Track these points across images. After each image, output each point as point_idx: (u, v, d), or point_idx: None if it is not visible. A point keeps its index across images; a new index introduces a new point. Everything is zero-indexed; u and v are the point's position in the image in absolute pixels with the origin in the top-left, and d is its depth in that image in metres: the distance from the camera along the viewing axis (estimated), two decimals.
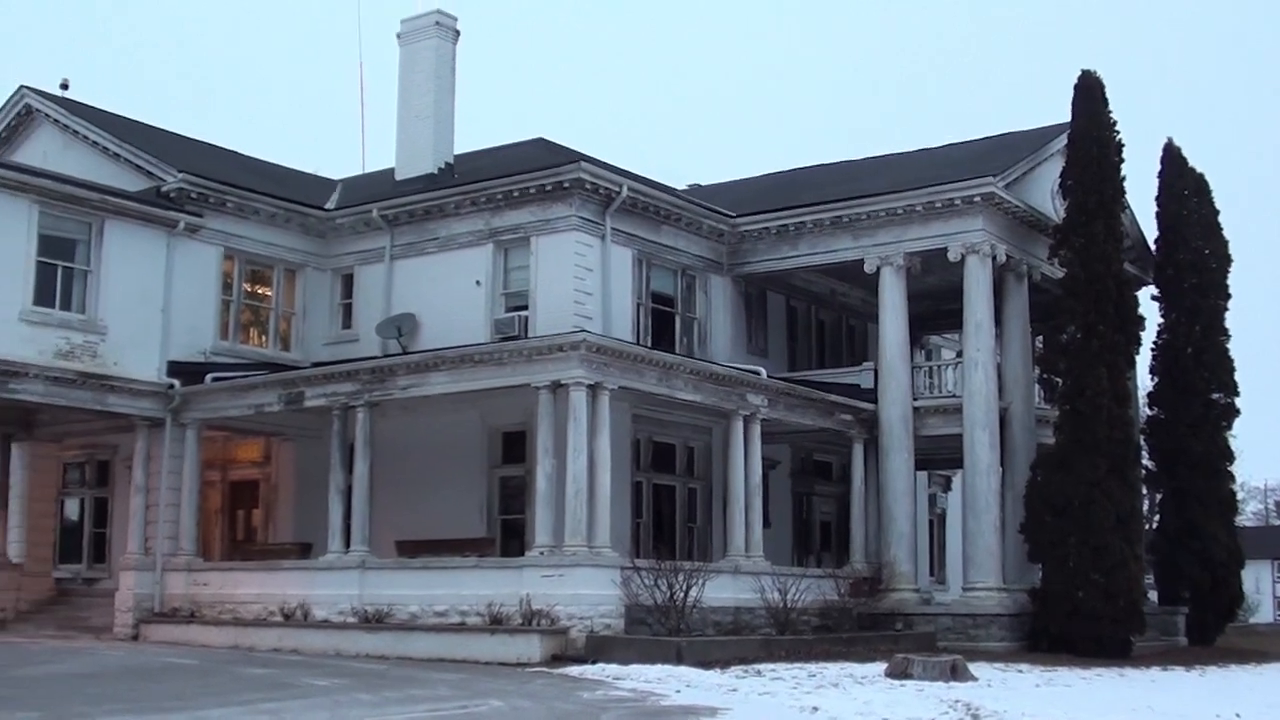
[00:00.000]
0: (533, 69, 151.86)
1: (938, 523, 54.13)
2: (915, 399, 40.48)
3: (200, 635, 35.85)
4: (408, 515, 36.99)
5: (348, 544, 35.07)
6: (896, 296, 40.36)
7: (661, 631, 30.94)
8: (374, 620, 33.15)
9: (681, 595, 31.37)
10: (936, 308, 44.63)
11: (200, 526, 39.55)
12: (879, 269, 40.54)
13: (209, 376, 38.19)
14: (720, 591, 33.66)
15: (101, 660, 29.91)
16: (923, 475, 46.71)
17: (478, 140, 45.98)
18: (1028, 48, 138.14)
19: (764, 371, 38.10)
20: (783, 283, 44.42)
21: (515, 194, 38.67)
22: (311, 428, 39.07)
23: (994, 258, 39.63)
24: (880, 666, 28.87)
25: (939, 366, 42.78)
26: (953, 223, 39.50)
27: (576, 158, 38.73)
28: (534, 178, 38.30)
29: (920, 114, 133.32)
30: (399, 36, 44.43)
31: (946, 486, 53.50)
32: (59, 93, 43.98)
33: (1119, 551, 37.01)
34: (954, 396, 40.23)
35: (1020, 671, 30.96)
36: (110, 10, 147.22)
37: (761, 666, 28.60)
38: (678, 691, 24.53)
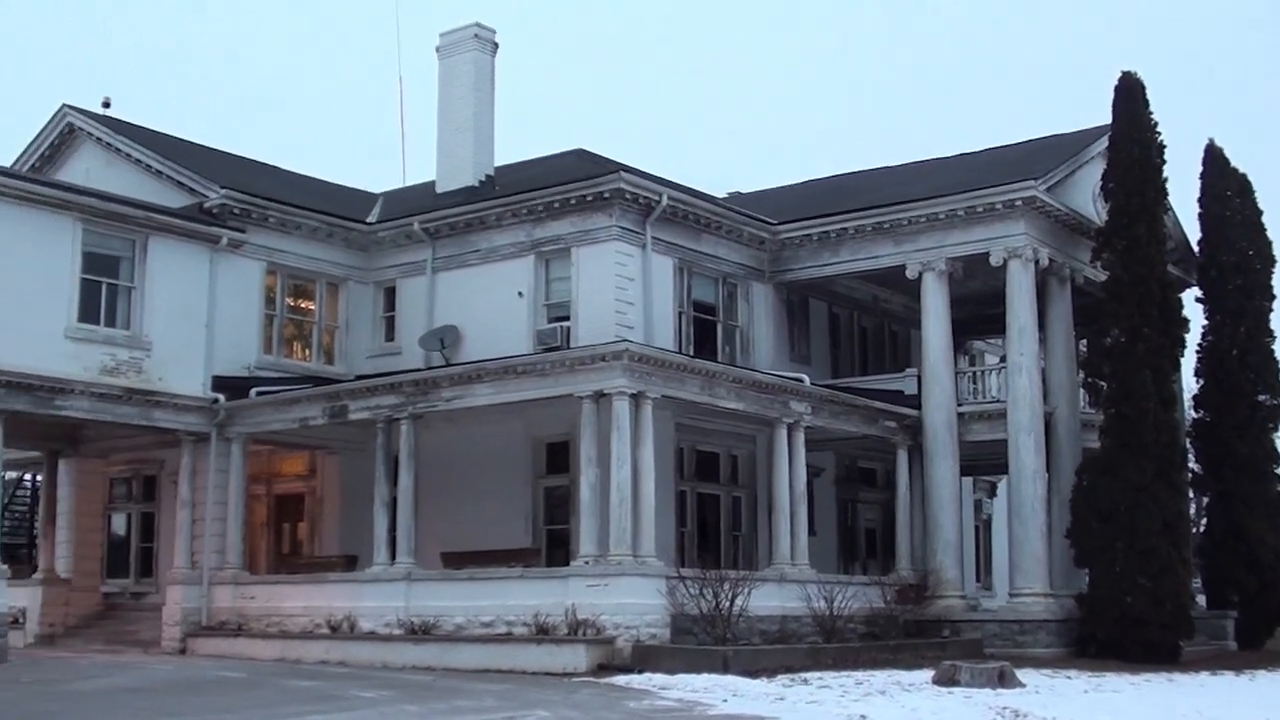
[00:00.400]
0: (572, 79, 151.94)
1: (983, 529, 54.00)
2: (959, 404, 40.30)
3: (247, 648, 35.97)
4: (452, 526, 37.04)
5: (393, 556, 35.13)
6: (939, 302, 40.23)
7: (707, 641, 30.89)
8: (420, 632, 33.20)
9: (727, 604, 31.32)
10: (979, 312, 44.48)
11: (246, 540, 39.70)
12: (921, 274, 40.42)
13: (253, 391, 38.32)
14: (766, 600, 33.61)
15: (149, 674, 30.06)
16: (968, 481, 46.51)
17: (518, 152, 45.98)
18: (1067, 50, 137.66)
19: (807, 379, 38.05)
20: (825, 289, 44.34)
21: (556, 205, 38.72)
22: (356, 440, 39.15)
23: (1036, 261, 39.44)
24: (927, 674, 28.78)
25: (983, 372, 42.56)
26: (994, 227, 39.34)
27: (616, 168, 38.75)
28: (574, 188, 38.33)
29: (960, 119, 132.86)
30: (438, 50, 44.55)
31: (992, 492, 53.32)
32: (101, 111, 44.27)
33: (1166, 556, 36.78)
34: (998, 402, 40.04)
35: (1068, 678, 30.79)
36: (150, 28, 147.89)
37: (808, 675, 28.56)
38: (725, 701, 24.50)
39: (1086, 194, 41.19)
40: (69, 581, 43.05)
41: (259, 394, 38.19)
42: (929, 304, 40.35)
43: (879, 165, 48.88)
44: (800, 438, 36.65)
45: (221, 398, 38.30)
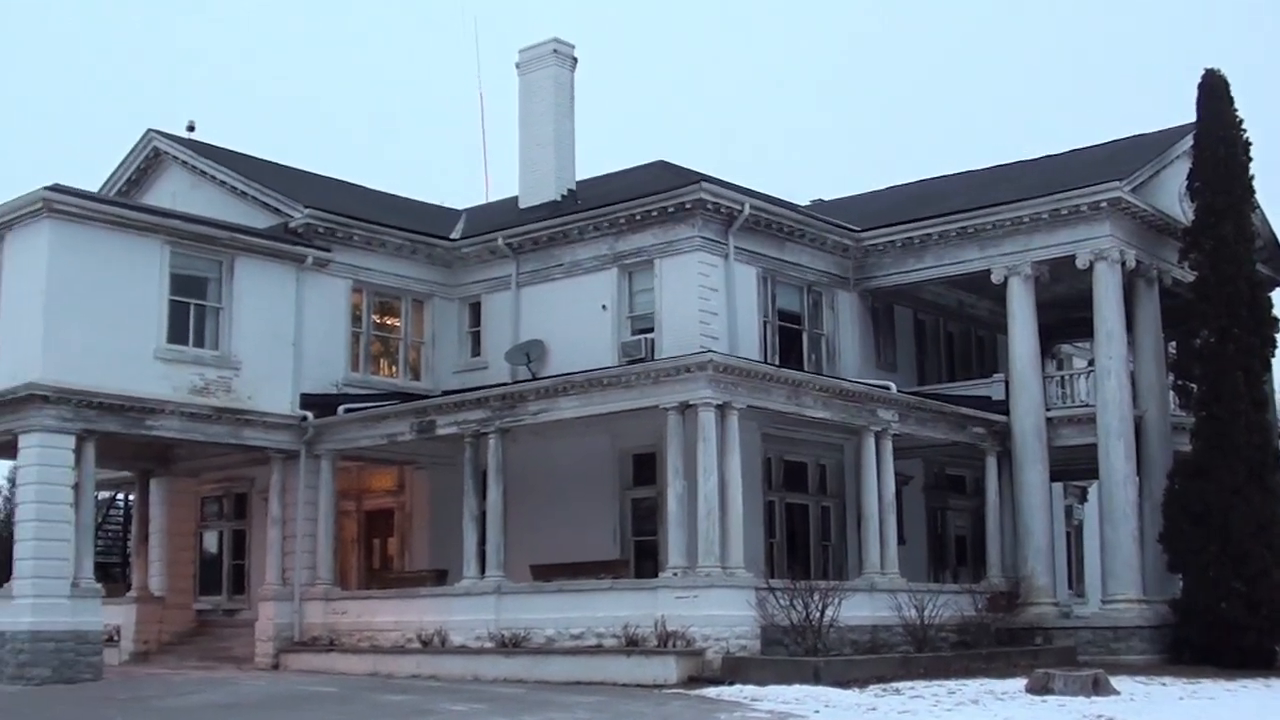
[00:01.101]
0: (651, 91, 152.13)
1: (1075, 535, 53.54)
2: (1048, 409, 40.00)
3: (339, 663, 36.18)
4: (541, 539, 37.13)
5: (483, 569, 35.24)
6: (1025, 306, 39.95)
7: (798, 651, 30.81)
8: (510, 644, 33.28)
9: (817, 614, 31.23)
10: (1066, 316, 44.12)
11: (337, 556, 39.95)
12: (1006, 279, 40.15)
13: (341, 408, 38.58)
14: (856, 610, 33.47)
15: (243, 690, 30.31)
16: (1058, 487, 46.16)
17: (599, 165, 46.11)
18: (1150, 49, 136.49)
19: (894, 386, 37.88)
20: (910, 296, 44.13)
21: (637, 217, 38.76)
22: (444, 455, 39.30)
23: (1123, 263, 39.09)
24: (1020, 682, 28.60)
25: (1071, 376, 42.22)
26: (1080, 229, 39.02)
27: (697, 178, 38.74)
28: (655, 200, 38.36)
29: (1043, 121, 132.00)
30: (518, 66, 44.72)
31: (1083, 498, 52.86)
32: (185, 135, 44.74)
33: (1261, 559, 36.36)
34: (1087, 406, 39.70)
35: (1163, 684, 30.46)
36: (231, 49, 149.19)
37: (900, 685, 28.42)
38: (816, 712, 24.45)
39: (1172, 194, 40.79)
40: (162, 599, 43.49)
41: (347, 411, 38.44)
42: (1015, 308, 40.08)
43: (963, 170, 48.60)
44: (888, 446, 36.49)
45: (310, 415, 38.59)
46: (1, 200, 35.56)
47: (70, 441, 34.47)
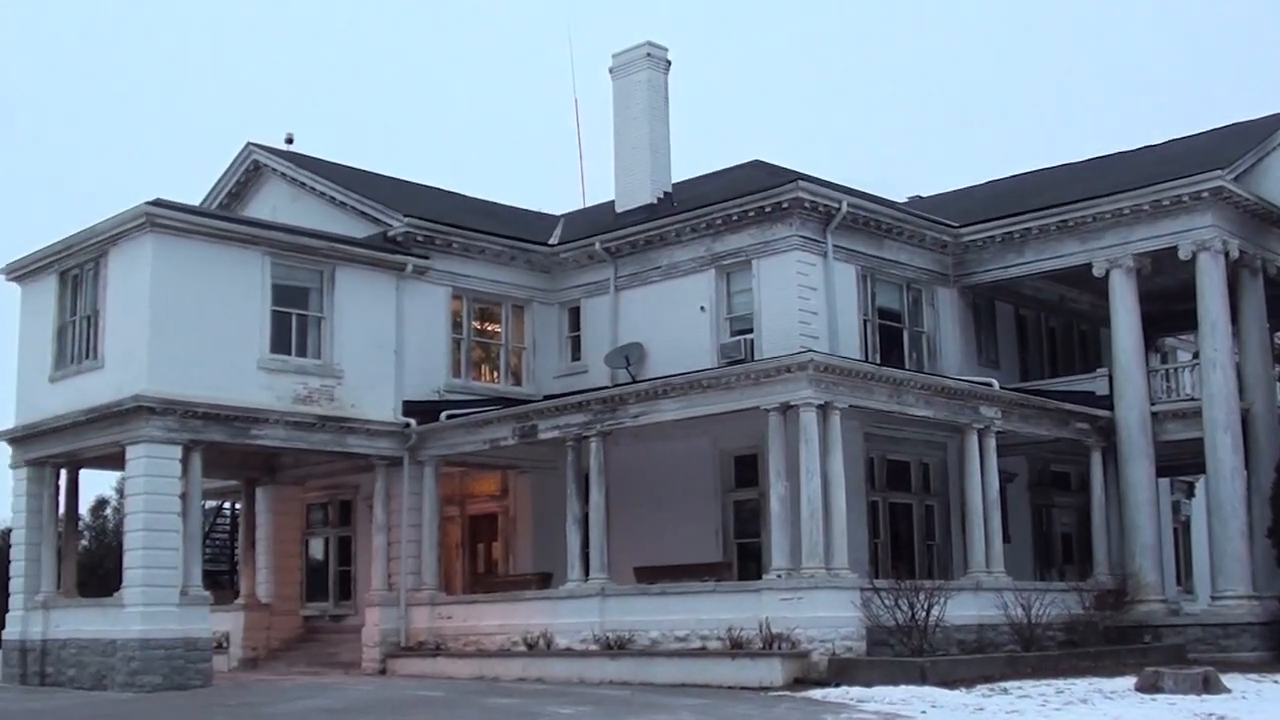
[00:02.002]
0: (745, 90, 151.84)
1: (1182, 530, 53.01)
2: (1152, 404, 39.58)
3: (446, 667, 36.41)
4: (644, 541, 37.21)
5: (587, 572, 35.33)
6: (1127, 299, 39.54)
7: (904, 652, 30.66)
8: (615, 647, 33.34)
9: (923, 614, 31.06)
10: (1169, 308, 43.67)
11: (441, 561, 40.19)
12: (1108, 272, 39.75)
13: (443, 414, 38.79)
14: (962, 609, 33.26)
15: (350, 695, 30.54)
16: (1164, 482, 45.63)
17: (695, 166, 46.10)
18: (1250, 35, 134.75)
19: (996, 383, 37.61)
20: (1010, 291, 43.80)
21: (734, 218, 38.72)
22: (546, 459, 39.44)
23: (1226, 254, 38.61)
24: (1129, 681, 28.31)
25: (1175, 369, 41.71)
26: (1181, 220, 38.55)
27: (794, 177, 38.63)
28: (752, 200, 38.31)
29: (1141, 111, 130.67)
30: (611, 71, 44.81)
31: (1190, 493, 52.32)
32: (284, 147, 45.19)
33: None
34: (1193, 399, 39.24)
35: (1276, 682, 29.99)
36: (327, 58, 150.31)
37: (1008, 684, 28.23)
38: (923, 713, 24.33)
39: (1276, 181, 40.25)
40: (270, 606, 43.94)
41: (449, 417, 38.64)
42: (1117, 302, 39.68)
43: (1061, 163, 48.20)
44: (991, 443, 36.25)
45: (413, 422, 38.84)
46: (105, 216, 36.06)
47: (177, 452, 34.88)
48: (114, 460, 36.93)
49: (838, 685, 28.49)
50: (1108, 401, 39.79)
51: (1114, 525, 39.45)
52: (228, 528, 52.28)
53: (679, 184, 44.20)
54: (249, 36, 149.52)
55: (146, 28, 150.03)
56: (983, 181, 49.85)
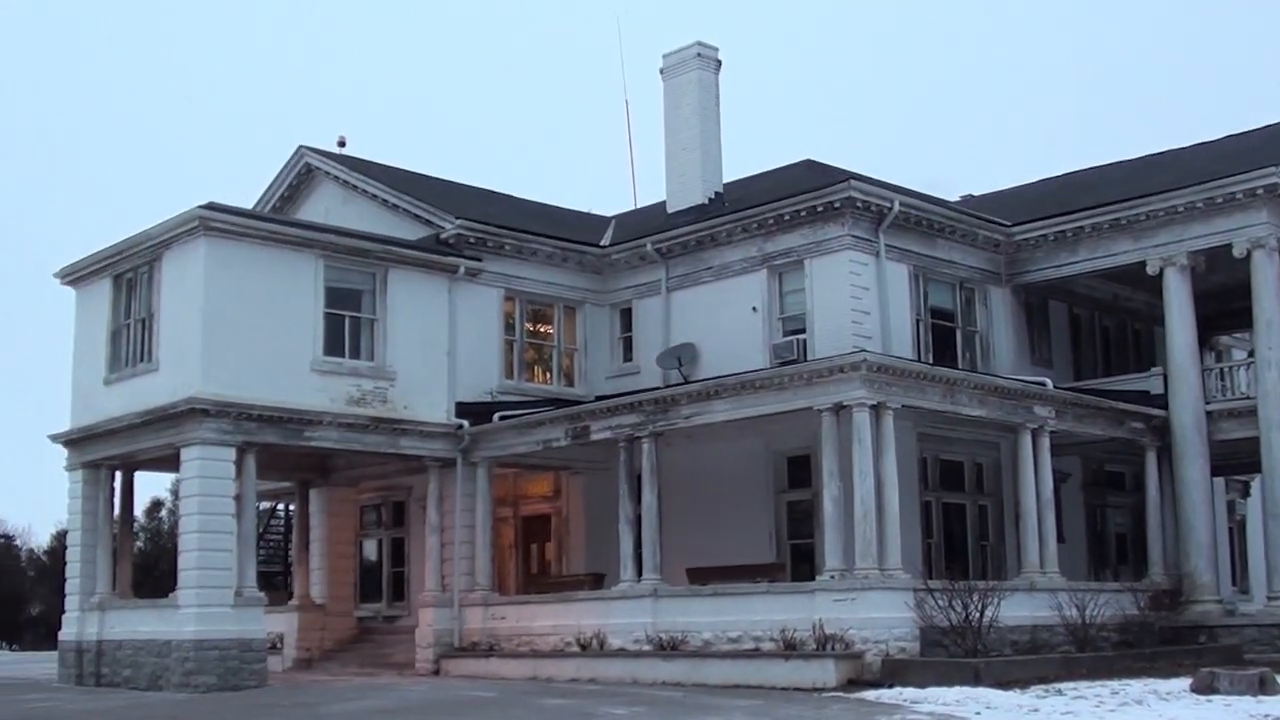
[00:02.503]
0: (796, 89, 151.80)
1: (1238, 530, 52.57)
2: (1207, 403, 39.28)
3: (499, 668, 36.50)
4: (696, 542, 37.19)
5: (639, 573, 35.36)
6: (1181, 297, 39.27)
7: (958, 653, 30.56)
8: (668, 648, 33.36)
9: (977, 615, 30.94)
10: (1224, 307, 43.37)
11: (495, 562, 40.30)
12: (1162, 270, 39.49)
13: (496, 415, 38.86)
14: (1016, 610, 33.11)
15: (404, 695, 30.65)
16: (1219, 481, 45.26)
17: (746, 166, 46.10)
18: None
19: (1049, 382, 37.43)
20: (1063, 290, 43.57)
21: (786, 218, 38.67)
22: (599, 460, 39.47)
23: None
24: (1185, 682, 28.16)
25: (1230, 368, 41.38)
26: (1235, 217, 38.23)
27: (845, 177, 38.55)
28: (803, 200, 38.24)
29: (1192, 108, 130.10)
30: (661, 72, 44.84)
31: (1245, 492, 51.92)
32: (337, 150, 45.38)
33: None
34: (1248, 398, 38.94)
35: None
36: (379, 62, 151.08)
37: (1062, 685, 28.13)
38: (977, 714, 24.27)
39: None
40: (323, 607, 44.13)
41: (502, 418, 38.72)
42: (1171, 300, 39.43)
43: (1113, 160, 47.94)
44: (1045, 443, 36.09)
45: (465, 423, 38.95)
46: (159, 220, 36.30)
47: (231, 454, 35.08)
48: (169, 462, 37.12)
49: (891, 686, 28.44)
50: (1162, 401, 39.56)
51: (1169, 525, 39.21)
52: (282, 529, 52.51)
53: (730, 184, 44.19)
54: (301, 42, 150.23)
55: (201, 32, 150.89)
56: (1035, 180, 49.65)
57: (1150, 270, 39.67)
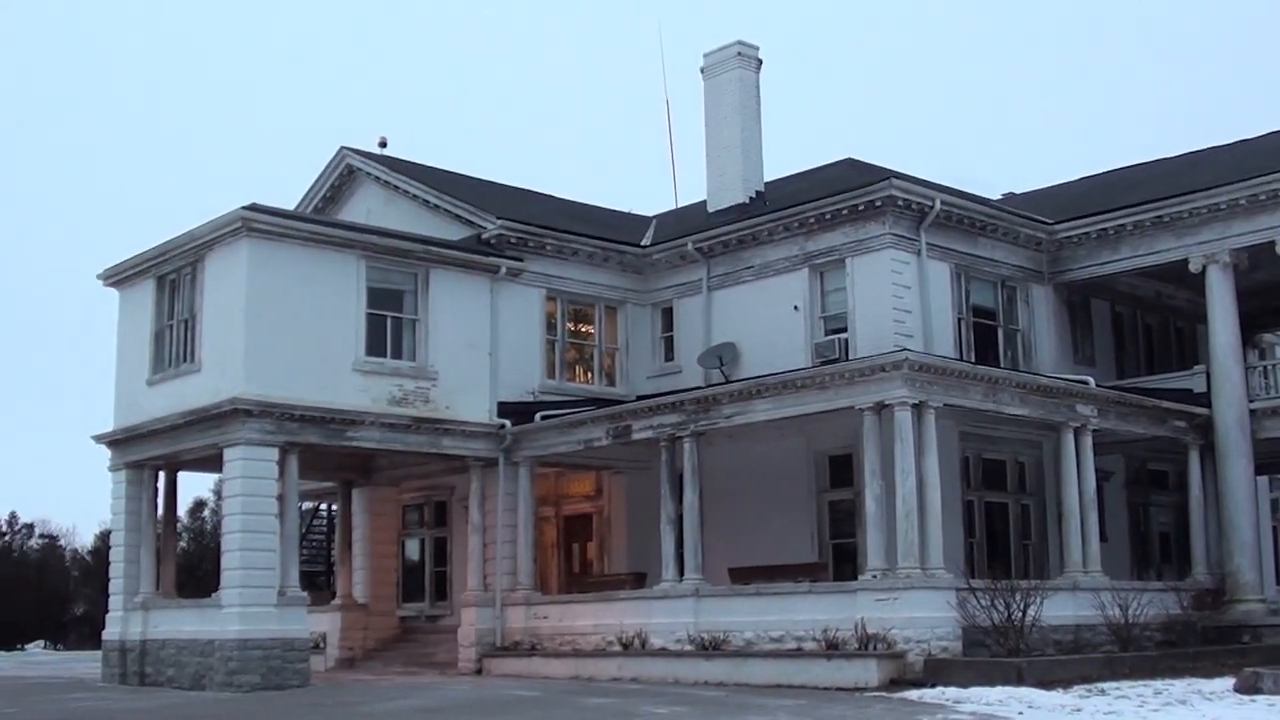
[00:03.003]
0: (837, 88, 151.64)
1: None
2: (1251, 401, 39.08)
3: (541, 667, 36.57)
4: (738, 542, 37.20)
5: (681, 572, 35.38)
6: (1224, 295, 39.07)
7: (1000, 652, 30.50)
8: (710, 647, 33.38)
9: (1019, 615, 30.89)
10: (1267, 304, 43.20)
11: (537, 561, 40.36)
12: (1204, 268, 39.28)
13: (538, 415, 38.91)
14: (1059, 609, 33.04)
15: (447, 694, 30.75)
16: (1263, 480, 45.07)
17: (787, 165, 46.08)
18: None
19: (1092, 381, 37.31)
20: (1106, 288, 43.38)
21: (827, 216, 38.61)
22: (641, 459, 39.52)
23: None
24: (1228, 682, 28.04)
25: (1274, 366, 41.16)
26: (1278, 214, 38.09)
27: (886, 175, 38.47)
28: (845, 199, 38.17)
29: (1235, 105, 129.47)
30: (702, 71, 44.81)
31: None
32: (378, 151, 45.51)
33: None
34: None
35: None
36: (419, 63, 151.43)
37: (1105, 685, 28.05)
38: (1020, 714, 24.23)
39: None
40: (366, 606, 44.27)
41: (544, 418, 38.77)
42: (1214, 298, 39.23)
43: (1155, 158, 47.74)
44: (1088, 441, 35.97)
45: (507, 423, 39.02)
46: (201, 221, 36.47)
47: (273, 454, 35.23)
48: (212, 462, 37.31)
49: (933, 686, 28.41)
50: (1205, 399, 39.36)
51: (1212, 524, 39.04)
52: (324, 529, 52.68)
53: (771, 183, 44.15)
54: (343, 44, 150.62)
55: (245, 36, 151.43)
56: (1077, 178, 49.45)
57: (1193, 268, 39.50)
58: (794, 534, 37.52)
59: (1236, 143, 44.89)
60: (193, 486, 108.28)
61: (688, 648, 33.99)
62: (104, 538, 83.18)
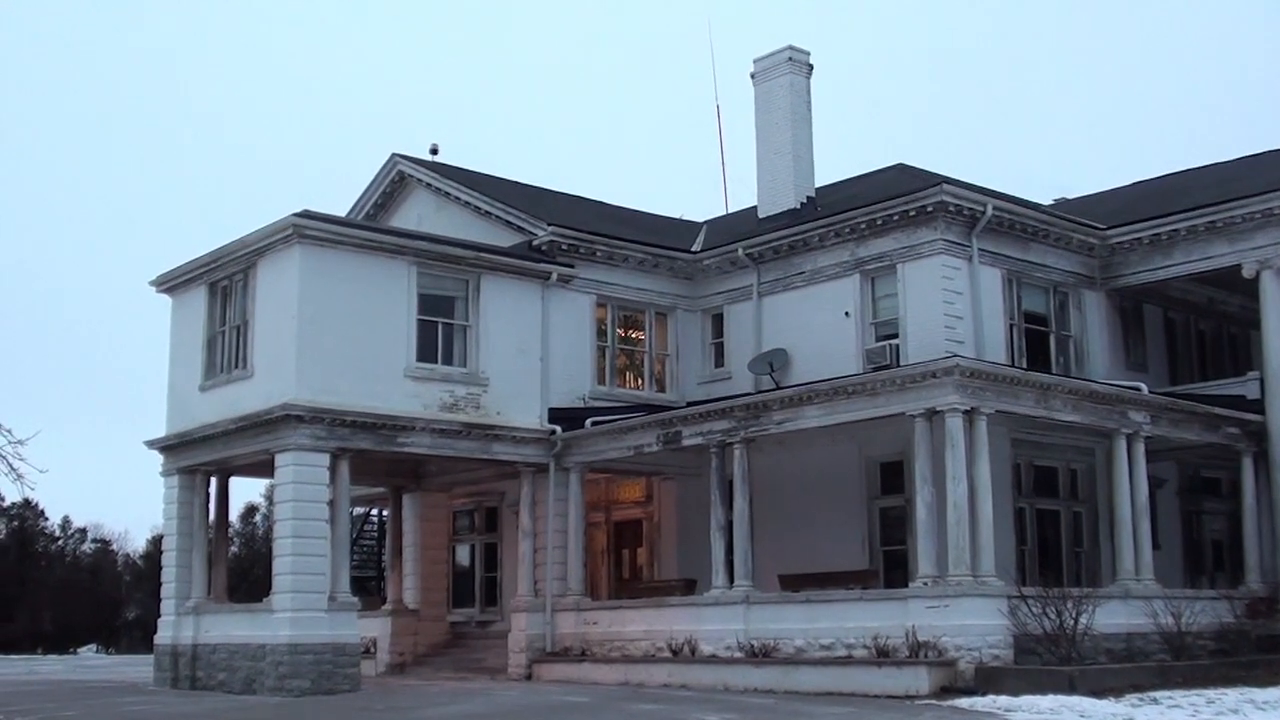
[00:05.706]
0: (888, 93, 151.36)
1: None
2: None
3: (591, 673, 36.59)
4: (788, 548, 37.15)
5: (731, 579, 35.33)
6: (1278, 300, 38.75)
7: (1051, 660, 30.35)
8: (760, 654, 33.33)
9: (1071, 622, 30.72)
10: None
11: (587, 567, 40.41)
12: (1258, 273, 38.98)
13: (588, 421, 38.95)
14: (1111, 617, 32.86)
15: (496, 700, 30.80)
16: None
17: (838, 170, 46.12)
18: None
19: (1144, 387, 37.05)
20: (1158, 294, 43.12)
21: (878, 222, 38.52)
22: (691, 465, 39.51)
23: None
24: None
25: None
26: None
27: (937, 180, 38.38)
28: (896, 204, 38.07)
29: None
30: (752, 76, 44.79)
31: None
32: (429, 158, 45.68)
33: None
34: None
35: None
36: (469, 70, 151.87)
37: (1157, 694, 27.86)
38: None
39: None
40: (417, 612, 44.41)
41: (594, 424, 38.81)
42: (1268, 303, 38.91)
43: (1208, 162, 47.46)
44: (1140, 448, 35.76)
45: (558, 429, 39.08)
46: (254, 228, 36.67)
47: (325, 459, 35.36)
48: (263, 468, 37.44)
49: (984, 694, 28.29)
50: (1259, 405, 39.06)
51: (1266, 531, 38.70)
52: (375, 534, 52.87)
53: (822, 188, 44.09)
54: (395, 51, 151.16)
55: (298, 44, 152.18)
56: (1129, 183, 49.20)
57: (1246, 273, 39.22)
58: (844, 541, 37.41)
59: None
60: (244, 491, 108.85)
61: (737, 655, 33.96)
62: (156, 542, 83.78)
